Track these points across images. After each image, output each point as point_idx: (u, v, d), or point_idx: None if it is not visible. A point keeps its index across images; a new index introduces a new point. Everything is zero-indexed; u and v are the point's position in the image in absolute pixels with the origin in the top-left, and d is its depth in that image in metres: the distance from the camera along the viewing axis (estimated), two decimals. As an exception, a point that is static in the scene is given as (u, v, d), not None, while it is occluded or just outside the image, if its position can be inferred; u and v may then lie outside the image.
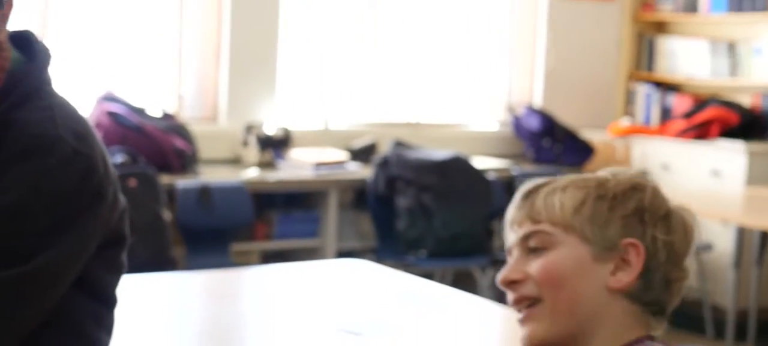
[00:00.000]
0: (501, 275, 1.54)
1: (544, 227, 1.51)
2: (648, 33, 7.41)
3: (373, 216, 6.12)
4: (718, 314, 6.22)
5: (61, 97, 1.74)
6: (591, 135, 6.94)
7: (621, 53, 7.42)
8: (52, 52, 1.76)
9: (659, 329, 1.53)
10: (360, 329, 2.67)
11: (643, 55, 7.43)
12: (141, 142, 5.55)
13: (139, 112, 5.76)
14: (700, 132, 6.70)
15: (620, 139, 7.04)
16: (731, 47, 6.99)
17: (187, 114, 6.21)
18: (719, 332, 6.03)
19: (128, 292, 2.99)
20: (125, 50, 6.03)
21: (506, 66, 7.21)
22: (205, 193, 5.54)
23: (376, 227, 6.14)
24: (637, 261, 1.50)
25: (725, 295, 6.13)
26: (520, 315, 1.53)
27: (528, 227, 1.53)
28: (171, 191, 5.51)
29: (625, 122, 7.19)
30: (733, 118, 6.71)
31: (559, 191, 1.53)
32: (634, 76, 7.43)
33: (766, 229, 5.53)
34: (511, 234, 1.56)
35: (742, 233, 5.86)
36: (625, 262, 1.50)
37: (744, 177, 6.40)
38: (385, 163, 6.00)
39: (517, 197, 1.58)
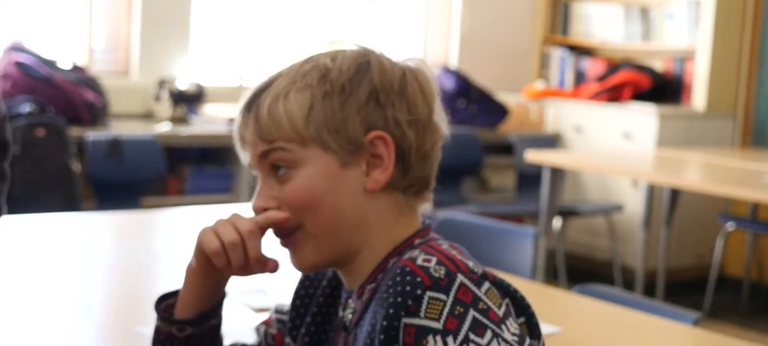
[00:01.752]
0: (253, 204, 1.39)
1: (280, 144, 1.36)
2: (563, -3, 7.46)
3: (287, 173, 6.08)
4: (628, 274, 6.30)
5: None
6: (506, 97, 6.97)
7: (536, 17, 7.46)
8: None
9: (426, 202, 1.40)
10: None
11: (558, 19, 7.48)
12: (50, 94, 5.45)
13: (49, 63, 5.65)
14: (613, 95, 6.76)
15: (535, 101, 7.07)
16: (644, 12, 7.06)
17: (98, 67, 6.10)
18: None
19: (37, 231, 2.94)
20: (35, 0, 5.90)
21: (422, 27, 7.20)
22: (115, 145, 5.46)
23: (289, 184, 6.10)
24: (388, 153, 1.35)
25: (635, 256, 6.21)
26: (281, 242, 1.40)
27: (261, 146, 1.37)
28: (81, 143, 5.42)
29: (539, 85, 7.23)
30: (645, 82, 6.79)
31: (282, 98, 1.36)
32: (548, 40, 7.47)
33: (676, 186, 5.61)
34: (244, 153, 1.40)
35: (652, 193, 5.93)
36: (375, 157, 1.35)
37: (655, 139, 6.48)
38: (299, 120, 5.96)
39: (239, 110, 1.41)
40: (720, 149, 6.45)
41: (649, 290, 6.01)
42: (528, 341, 1.25)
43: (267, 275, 2.49)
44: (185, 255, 2.74)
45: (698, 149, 6.28)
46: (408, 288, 1.24)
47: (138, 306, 2.30)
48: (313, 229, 1.35)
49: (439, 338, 1.21)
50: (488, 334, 1.21)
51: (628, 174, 6.03)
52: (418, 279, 1.24)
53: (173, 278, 2.55)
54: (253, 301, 2.29)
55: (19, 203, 5.27)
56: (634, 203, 6.39)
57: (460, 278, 1.24)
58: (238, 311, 2.22)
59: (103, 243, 2.96)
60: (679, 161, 5.91)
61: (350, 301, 1.38)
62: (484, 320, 1.22)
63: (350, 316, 1.37)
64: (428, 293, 1.23)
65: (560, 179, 5.77)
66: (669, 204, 5.95)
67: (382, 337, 1.24)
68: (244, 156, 1.40)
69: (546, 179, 5.68)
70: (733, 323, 5.94)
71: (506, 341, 1.21)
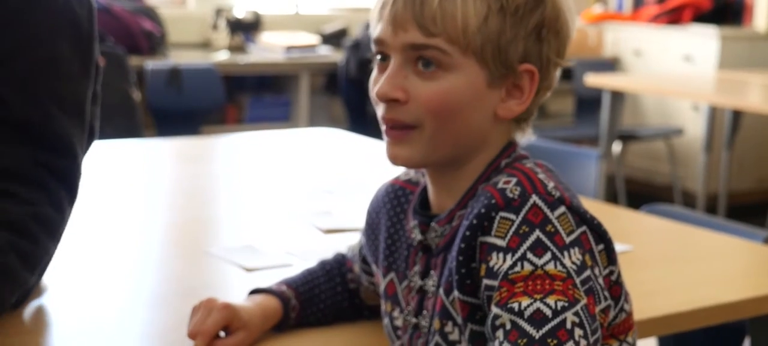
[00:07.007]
0: (380, 88, 1.33)
1: (440, 43, 1.30)
2: None
3: (345, 100, 6.08)
4: (688, 198, 6.25)
5: None
6: (563, 21, 6.88)
7: (594, -61, 7.35)
8: None
9: (526, 133, 1.40)
10: (332, 188, 2.65)
11: (616, -59, 7.37)
12: (108, 23, 5.47)
13: (107, -7, 5.67)
14: (673, 17, 6.67)
15: (593, 25, 7.00)
16: (705, -68, 6.93)
17: (156, -3, 6.12)
18: (689, 216, 6.04)
19: (100, 157, 2.96)
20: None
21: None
22: (175, 74, 5.48)
23: (347, 111, 6.10)
24: (530, 88, 1.34)
25: (695, 179, 6.15)
26: (388, 131, 1.36)
27: (418, 37, 1.31)
28: (140, 73, 5.45)
29: (597, 9, 7.14)
30: (706, 3, 6.68)
31: None
32: (606, -37, 7.38)
33: (738, 108, 5.53)
34: (389, 30, 1.33)
35: (713, 115, 5.86)
36: (517, 87, 1.34)
37: (716, 62, 6.39)
38: (356, 46, 5.94)
39: None
40: (783, 71, 6.35)
41: (710, 214, 5.95)
42: (587, 272, 1.24)
43: (334, 197, 2.50)
44: (246, 179, 2.76)
45: (760, 71, 6.18)
46: (483, 210, 1.28)
47: (204, 228, 2.31)
48: (432, 133, 1.33)
49: (501, 254, 1.25)
50: (547, 255, 1.23)
51: (689, 97, 5.95)
52: (494, 201, 1.28)
53: (236, 202, 2.57)
54: (321, 222, 2.29)
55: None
56: (694, 127, 6.32)
57: (533, 198, 1.26)
58: (308, 233, 2.23)
59: (165, 168, 2.98)
60: (741, 83, 5.82)
61: (435, 225, 1.39)
62: (547, 242, 1.23)
63: (437, 240, 1.39)
64: (500, 214, 1.27)
65: (620, 103, 5.71)
66: (730, 127, 5.88)
67: (461, 258, 1.29)
68: (381, 29, 1.34)
69: (606, 103, 5.63)
70: (796, 247, 5.87)
71: (564, 266, 1.22)
